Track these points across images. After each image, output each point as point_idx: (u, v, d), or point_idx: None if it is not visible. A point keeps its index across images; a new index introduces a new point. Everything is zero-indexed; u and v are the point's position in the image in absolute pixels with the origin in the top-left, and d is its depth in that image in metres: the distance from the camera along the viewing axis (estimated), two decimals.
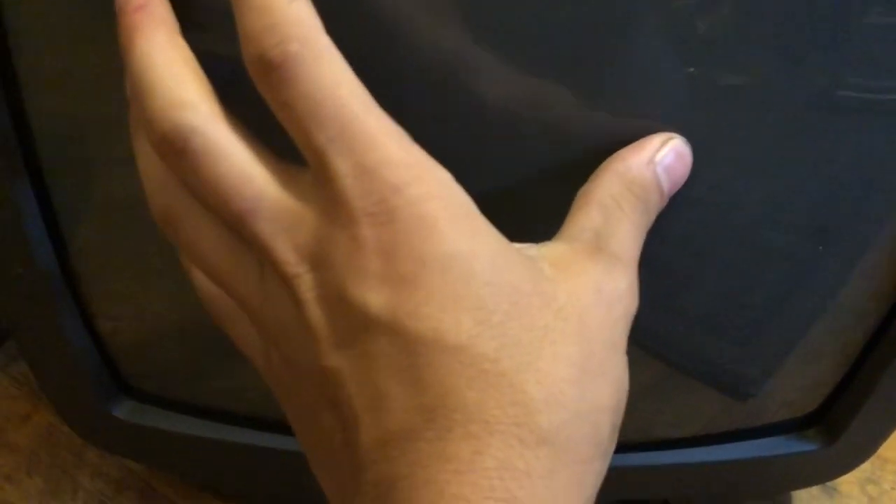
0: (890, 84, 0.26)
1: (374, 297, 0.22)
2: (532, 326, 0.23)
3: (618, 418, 0.25)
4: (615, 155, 0.27)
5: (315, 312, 0.23)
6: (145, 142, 0.25)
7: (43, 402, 0.50)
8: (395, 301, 0.22)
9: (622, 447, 0.37)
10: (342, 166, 0.22)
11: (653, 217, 0.27)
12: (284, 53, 0.22)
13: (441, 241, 0.23)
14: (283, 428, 0.38)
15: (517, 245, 0.24)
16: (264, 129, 0.24)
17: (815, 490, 0.46)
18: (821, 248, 0.30)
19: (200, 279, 0.27)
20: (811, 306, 0.32)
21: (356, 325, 0.23)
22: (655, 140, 0.27)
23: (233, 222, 0.24)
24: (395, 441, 0.22)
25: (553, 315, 0.23)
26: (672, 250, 0.30)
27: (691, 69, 0.26)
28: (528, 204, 0.29)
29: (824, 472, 0.40)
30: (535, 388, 0.22)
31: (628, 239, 0.26)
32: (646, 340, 0.32)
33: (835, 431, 0.36)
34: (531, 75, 0.26)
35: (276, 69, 0.22)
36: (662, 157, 0.26)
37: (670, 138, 0.27)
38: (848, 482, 0.46)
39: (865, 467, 0.42)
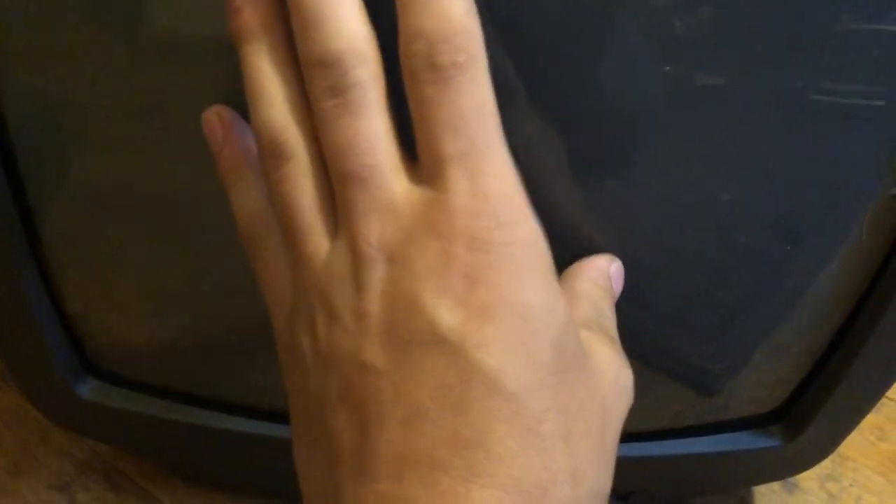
0: (861, 90, 0.26)
1: (447, 315, 0.22)
2: (574, 398, 0.23)
3: None
4: (582, 262, 0.28)
5: (375, 304, 0.23)
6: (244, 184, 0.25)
7: (9, 382, 0.49)
8: (467, 327, 0.22)
9: None
10: (461, 183, 0.22)
11: None
12: (453, 62, 0.22)
13: (525, 287, 0.22)
14: (249, 411, 0.38)
15: None
16: None
17: (776, 485, 0.47)
18: (789, 247, 0.30)
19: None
20: (778, 305, 0.32)
21: (417, 333, 0.22)
22: (605, 257, 0.29)
23: (339, 178, 0.23)
24: (417, 463, 0.22)
25: (586, 393, 0.24)
26: (642, 247, 0.30)
27: (667, 68, 0.26)
28: None
29: (786, 467, 0.40)
30: (564, 459, 0.22)
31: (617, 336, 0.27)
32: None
33: (797, 428, 0.37)
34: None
35: (436, 70, 0.22)
36: (614, 271, 0.29)
37: (613, 260, 0.29)
38: (808, 478, 0.47)
39: (826, 464, 0.43)
